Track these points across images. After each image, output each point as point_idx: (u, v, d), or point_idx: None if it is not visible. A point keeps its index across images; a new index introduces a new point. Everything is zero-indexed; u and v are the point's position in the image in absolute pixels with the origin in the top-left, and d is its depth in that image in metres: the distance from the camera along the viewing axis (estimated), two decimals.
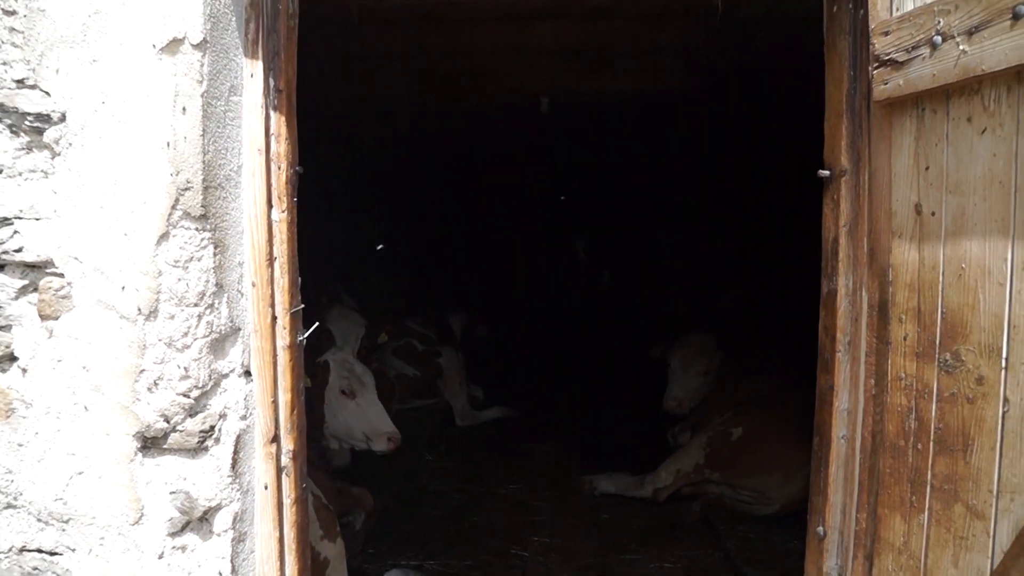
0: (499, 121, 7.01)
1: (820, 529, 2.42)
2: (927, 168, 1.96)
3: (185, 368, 2.08)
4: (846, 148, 2.33)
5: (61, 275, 2.09)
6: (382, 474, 5.21)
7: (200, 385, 2.11)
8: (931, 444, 1.95)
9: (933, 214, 1.94)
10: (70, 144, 2.06)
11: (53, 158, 2.08)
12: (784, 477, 4.90)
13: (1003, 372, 1.76)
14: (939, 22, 1.86)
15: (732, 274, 8.34)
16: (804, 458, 4.80)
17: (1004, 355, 1.75)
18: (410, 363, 6.55)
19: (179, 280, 2.06)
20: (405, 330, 6.76)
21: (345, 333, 5.11)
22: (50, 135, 2.07)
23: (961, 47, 1.80)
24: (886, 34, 2.04)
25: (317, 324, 2.54)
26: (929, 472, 1.96)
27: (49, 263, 2.09)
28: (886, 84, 2.05)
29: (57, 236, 2.08)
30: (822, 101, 2.45)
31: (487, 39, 4.87)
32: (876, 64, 2.08)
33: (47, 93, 2.06)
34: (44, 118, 2.07)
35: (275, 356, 2.31)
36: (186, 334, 2.08)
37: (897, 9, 2.04)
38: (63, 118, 2.06)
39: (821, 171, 2.42)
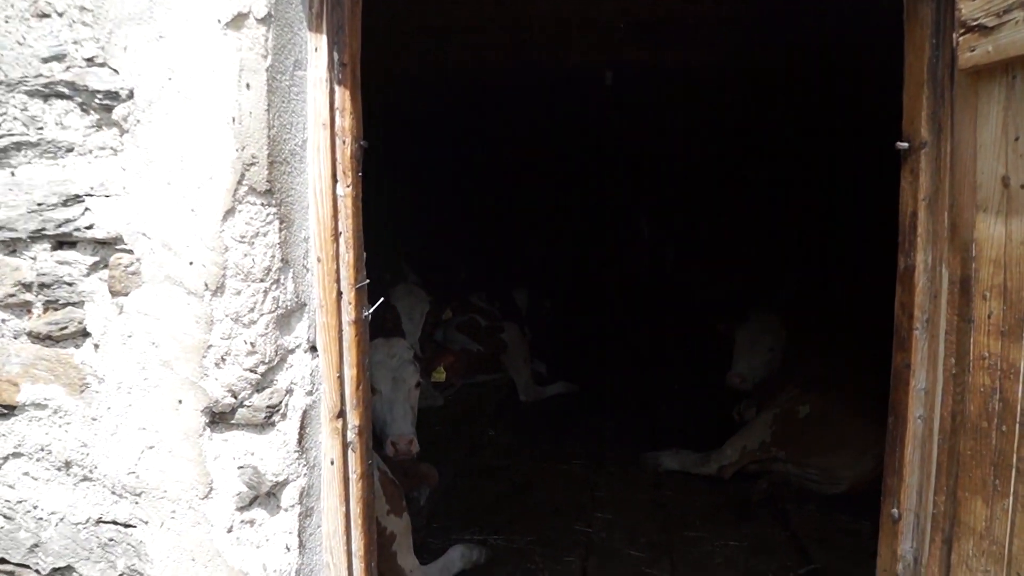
0: (563, 94, 6.92)
1: (895, 511, 2.34)
2: (1016, 139, 1.85)
3: (252, 343, 2.10)
4: (927, 119, 2.22)
5: (130, 251, 2.12)
6: (447, 449, 5.25)
7: (267, 360, 2.12)
8: (1017, 427, 1.86)
9: (1022, 187, 1.83)
10: (138, 121, 2.08)
11: (121, 135, 2.10)
12: (852, 456, 4.78)
13: None
14: None
15: (798, 252, 8.13)
16: (873, 437, 4.75)
17: None
18: (474, 338, 6.56)
19: (245, 255, 2.07)
20: (468, 306, 6.76)
21: (410, 310, 5.13)
22: (119, 112, 2.09)
23: None
24: None
25: (382, 300, 2.53)
26: (1015, 455, 1.86)
27: (119, 240, 2.12)
28: (973, 51, 1.93)
29: (126, 213, 2.11)
30: (895, 74, 2.33)
31: (551, 10, 4.79)
32: (963, 30, 1.96)
33: (115, 71, 2.08)
34: (113, 95, 2.09)
35: (340, 331, 2.31)
36: (252, 309, 2.09)
37: None
38: (131, 95, 2.08)
39: (899, 143, 2.31)
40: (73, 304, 2.19)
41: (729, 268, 8.80)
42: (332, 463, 2.32)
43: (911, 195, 2.28)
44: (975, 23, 1.92)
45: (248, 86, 2.03)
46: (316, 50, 2.23)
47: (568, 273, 9.23)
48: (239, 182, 2.04)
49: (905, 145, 2.29)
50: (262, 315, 2.10)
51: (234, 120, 2.03)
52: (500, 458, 5.65)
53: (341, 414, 2.33)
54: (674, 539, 4.39)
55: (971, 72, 1.97)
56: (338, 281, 2.30)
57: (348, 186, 2.30)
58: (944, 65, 2.17)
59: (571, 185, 9.75)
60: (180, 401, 2.13)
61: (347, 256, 2.32)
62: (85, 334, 2.21)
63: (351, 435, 2.36)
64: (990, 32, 1.88)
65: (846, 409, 4.82)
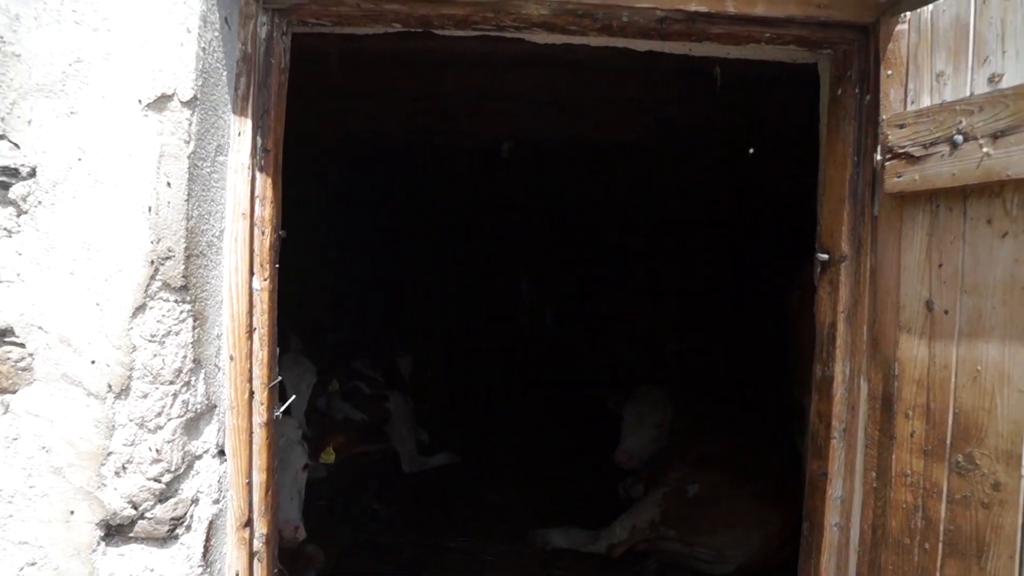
0: (458, 163, 6.93)
1: None
2: (940, 265, 1.94)
3: (157, 450, 1.91)
4: (847, 233, 2.31)
5: (22, 345, 1.90)
6: (331, 526, 5.01)
7: (172, 469, 1.94)
8: (940, 545, 1.91)
9: (946, 312, 1.92)
10: (39, 202, 1.89)
11: (19, 216, 1.90)
12: (741, 536, 4.85)
13: (1023, 480, 1.73)
14: (961, 121, 1.84)
15: (685, 324, 8.38)
16: (762, 517, 4.85)
17: None
18: (357, 407, 6.34)
19: (155, 356, 1.90)
20: (352, 372, 6.55)
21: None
22: (17, 191, 1.89)
23: (984, 149, 1.78)
24: (901, 127, 2.02)
25: (293, 398, 2.39)
26: (938, 573, 1.91)
27: (9, 331, 1.90)
28: (900, 177, 2.02)
29: (19, 302, 1.90)
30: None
31: (458, 84, 4.80)
32: (890, 156, 2.05)
33: (16, 145, 1.89)
34: (11, 172, 1.89)
35: (251, 434, 2.16)
36: (159, 414, 1.91)
37: (912, 102, 2.03)
38: (32, 173, 1.89)
39: (820, 254, 2.40)
40: None
41: (615, 339, 8.95)
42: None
43: (830, 306, 2.36)
44: (902, 150, 2.01)
45: (168, 175, 1.88)
46: (240, 134, 2.11)
47: (451, 340, 9.13)
48: (152, 277, 1.88)
49: (825, 257, 2.37)
50: (170, 420, 1.93)
51: (150, 210, 1.87)
52: (387, 535, 5.44)
53: (248, 523, 2.15)
54: None
55: (896, 196, 2.06)
56: (250, 380, 2.15)
57: (265, 279, 2.17)
58: (865, 184, 2.27)
59: (456, 251, 9.73)
60: (72, 512, 1.91)
61: (261, 354, 2.17)
62: None
63: (258, 544, 2.19)
64: (917, 161, 1.97)
65: (734, 488, 4.91)
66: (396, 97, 5.17)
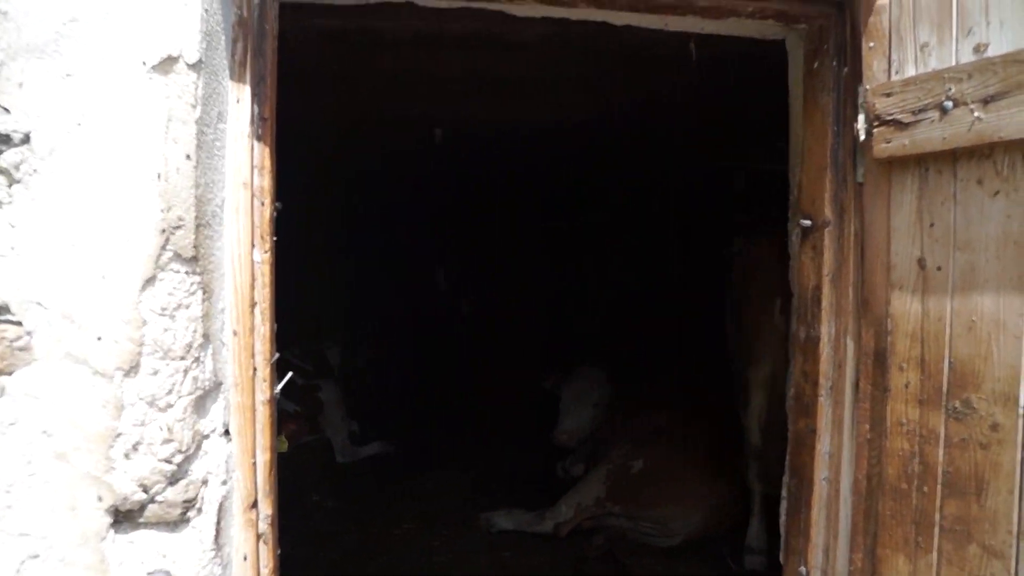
0: (390, 145, 6.81)
1: (802, 569, 2.46)
2: (932, 225, 2.05)
3: (169, 429, 1.83)
4: (830, 200, 2.41)
5: (18, 323, 1.78)
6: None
7: (183, 449, 1.86)
8: (939, 487, 2.03)
9: (939, 269, 2.03)
10: (35, 170, 1.77)
11: (11, 185, 1.77)
12: (687, 509, 5.00)
13: (1020, 419, 1.85)
14: (950, 88, 1.95)
15: (620, 305, 8.50)
16: (706, 490, 5.01)
17: (1022, 403, 1.84)
18: (290, 397, 6.20)
19: (165, 330, 1.81)
20: (283, 363, 6.38)
21: None
22: (8, 158, 1.77)
23: (976, 114, 1.89)
24: (888, 95, 2.12)
25: (291, 374, 2.33)
26: (937, 514, 2.03)
27: (3, 308, 1.78)
28: (888, 143, 2.12)
29: (15, 277, 1.77)
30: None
31: (393, 64, 4.72)
32: (877, 123, 2.15)
33: (6, 109, 1.76)
34: (2, 138, 1.76)
35: (255, 412, 2.08)
36: (170, 391, 1.83)
37: (897, 72, 2.13)
38: (26, 139, 1.77)
39: (803, 220, 2.49)
40: None
41: (544, 322, 9.01)
42: (245, 559, 2.07)
43: (813, 270, 2.46)
44: (890, 118, 2.11)
45: (175, 140, 1.80)
46: (238, 102, 2.03)
47: (378, 329, 9.02)
48: (163, 247, 1.79)
49: (808, 223, 2.47)
50: (180, 398, 1.84)
51: (159, 176, 1.78)
52: (330, 524, 5.36)
53: (254, 504, 2.09)
54: None
55: (884, 162, 2.16)
56: (253, 356, 2.08)
57: (266, 251, 2.10)
58: (846, 151, 2.37)
59: (379, 236, 9.59)
60: (78, 499, 1.80)
61: (262, 329, 2.10)
62: None
63: (263, 526, 2.12)
64: (906, 127, 2.07)
65: (679, 463, 5.06)
66: (325, 77, 5.04)
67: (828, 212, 2.41)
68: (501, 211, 9.60)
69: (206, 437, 1.95)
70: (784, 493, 2.68)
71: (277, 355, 2.18)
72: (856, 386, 2.36)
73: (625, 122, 5.78)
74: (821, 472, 2.44)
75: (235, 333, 2.03)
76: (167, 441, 1.83)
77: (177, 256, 1.81)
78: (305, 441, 5.97)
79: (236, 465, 2.04)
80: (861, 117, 2.26)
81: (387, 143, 6.71)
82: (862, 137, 2.25)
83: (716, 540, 5.03)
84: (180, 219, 1.80)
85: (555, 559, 4.97)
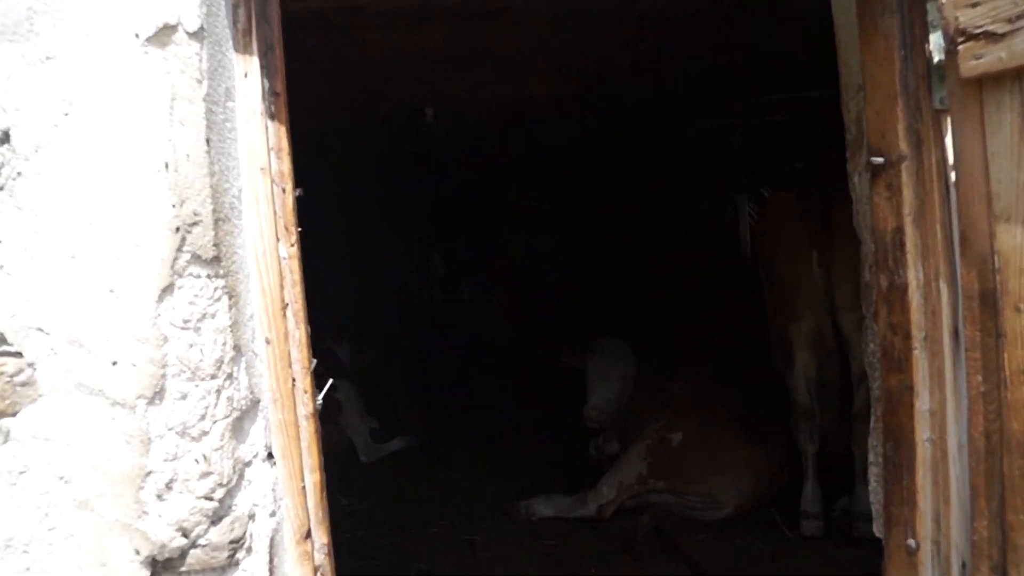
0: (383, 127, 6.52)
1: (911, 542, 2.22)
2: None
3: (206, 460, 1.57)
4: (904, 131, 2.15)
5: (18, 354, 1.51)
6: None
7: (224, 482, 1.60)
8: None
9: None
10: (18, 173, 1.50)
11: None
12: (732, 479, 4.78)
13: None
14: None
15: (636, 275, 8.26)
16: (752, 456, 4.78)
17: None
18: None
19: (191, 346, 1.55)
20: None
21: None
22: None
23: None
24: (974, 5, 1.86)
25: (331, 381, 2.07)
26: None
27: None
28: (979, 59, 1.86)
29: (8, 301, 1.51)
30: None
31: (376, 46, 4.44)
32: (962, 39, 1.90)
33: None
34: None
35: (298, 429, 1.83)
36: (203, 417, 1.57)
37: None
38: (5, 138, 1.49)
39: (873, 157, 2.24)
40: None
41: (556, 297, 8.76)
42: None
43: (891, 211, 2.20)
44: (979, 30, 1.85)
45: (183, 122, 1.53)
46: (246, 76, 1.75)
47: (380, 318, 8.76)
48: (179, 248, 1.52)
49: (880, 160, 2.21)
50: (215, 422, 1.59)
51: (167, 166, 1.51)
52: (363, 528, 5.10)
53: (308, 534, 1.83)
54: None
55: (973, 81, 1.90)
56: (290, 366, 1.82)
57: (292, 245, 1.83)
58: (918, 76, 2.12)
59: (376, 223, 9.31)
60: (107, 552, 1.54)
61: (297, 333, 1.84)
62: None
63: (319, 557, 1.87)
64: (1000, 39, 1.81)
65: (719, 432, 4.82)
66: (306, 58, 4.75)
67: (903, 145, 2.15)
68: (496, 189, 9.31)
69: (248, 464, 1.70)
70: (874, 459, 2.45)
71: (315, 361, 1.91)
72: (955, 334, 2.13)
73: (617, 86, 5.50)
74: (923, 432, 2.19)
75: (268, 341, 1.77)
76: (205, 475, 1.57)
77: (196, 258, 1.54)
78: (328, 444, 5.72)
79: (284, 492, 1.79)
80: (934, 36, 2.03)
81: (380, 126, 6.42)
82: (936, 58, 2.03)
83: (767, 507, 4.82)
84: (196, 214, 1.54)
85: (602, 542, 4.73)
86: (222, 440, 1.59)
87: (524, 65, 5.00)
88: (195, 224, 1.53)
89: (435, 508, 5.40)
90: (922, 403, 2.19)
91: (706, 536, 4.63)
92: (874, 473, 2.47)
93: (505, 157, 8.43)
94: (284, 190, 1.82)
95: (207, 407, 1.57)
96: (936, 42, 2.00)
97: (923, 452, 2.20)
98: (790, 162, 6.24)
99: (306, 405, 1.84)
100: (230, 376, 1.61)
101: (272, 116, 1.80)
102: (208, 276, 1.56)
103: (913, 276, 2.18)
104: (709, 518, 4.82)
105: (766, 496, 4.84)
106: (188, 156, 1.53)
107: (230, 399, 1.61)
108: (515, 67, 5.07)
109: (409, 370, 8.22)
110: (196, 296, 1.55)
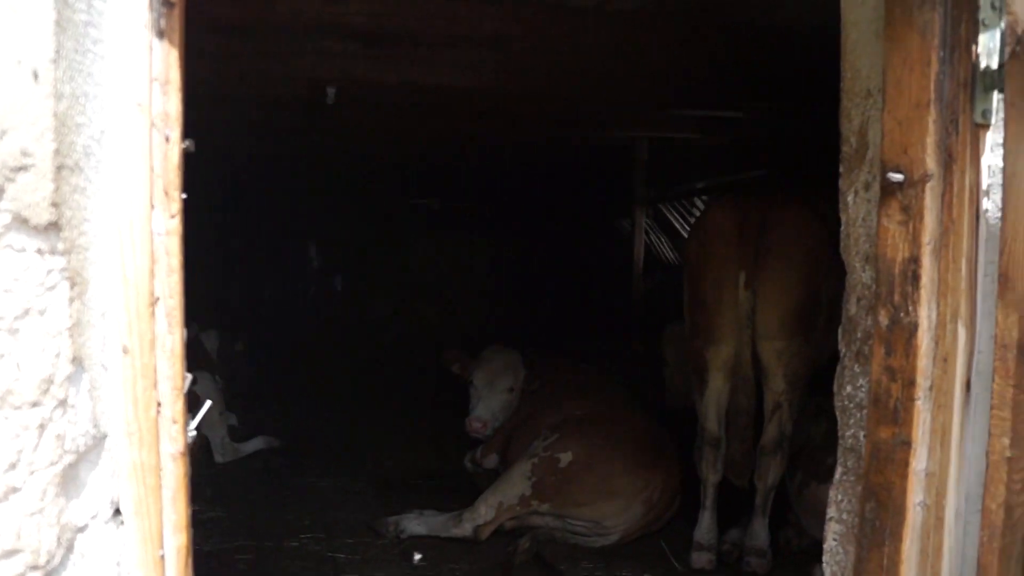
0: (275, 107, 5.83)
1: None
2: None
3: (17, 534, 1.02)
4: (933, 147, 1.83)
5: None
6: None
7: (42, 561, 1.06)
8: None
9: None
10: None
11: None
12: (624, 504, 4.49)
13: None
14: None
15: (527, 282, 7.89)
16: (645, 482, 4.50)
17: None
18: None
19: (0, 357, 1.00)
20: None
21: None
22: None
23: None
24: None
25: (208, 404, 1.54)
26: None
27: None
28: None
29: None
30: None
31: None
32: None
33: None
34: None
35: (160, 474, 1.29)
36: (14, 466, 1.02)
37: None
38: None
39: (891, 174, 1.91)
40: None
41: (438, 302, 8.28)
42: None
43: (905, 238, 1.88)
44: None
45: (13, 7, 0.98)
46: None
47: (253, 310, 8.03)
48: None
49: (899, 177, 1.88)
50: (33, 473, 1.04)
51: None
52: (213, 540, 4.47)
53: None
54: None
55: None
56: (156, 386, 1.29)
57: (173, 216, 1.30)
58: (957, 83, 1.81)
59: (254, 208, 8.54)
60: None
61: (169, 340, 1.31)
62: None
63: None
64: None
65: (611, 454, 4.51)
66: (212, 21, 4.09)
67: (930, 163, 1.83)
68: (390, 185, 8.75)
69: (82, 529, 1.15)
70: (836, 515, 2.16)
71: (190, 378, 1.39)
72: (967, 387, 1.84)
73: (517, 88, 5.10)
74: (915, 495, 1.89)
75: (126, 351, 1.23)
76: (9, 554, 1.02)
77: (21, 221, 0.99)
78: None
79: (135, 565, 1.25)
80: (984, 37, 1.74)
81: (274, 104, 5.72)
82: (984, 63, 1.74)
83: (655, 536, 4.57)
84: (25, 154, 0.99)
85: (476, 567, 4.34)
86: (42, 499, 1.05)
87: (444, 53, 4.53)
88: (22, 169, 0.98)
89: (296, 519, 4.90)
90: (919, 462, 1.90)
91: (591, 565, 4.33)
92: (835, 531, 2.18)
93: (401, 152, 7.87)
94: (168, 139, 1.28)
95: (20, 451, 1.02)
96: (986, 44, 1.71)
97: (913, 517, 1.91)
98: (694, 181, 6.06)
99: (174, 440, 1.31)
100: (63, 403, 1.07)
101: (161, 33, 1.26)
102: (39, 251, 1.02)
103: (925, 315, 1.87)
104: (594, 545, 4.53)
105: (655, 524, 4.59)
106: (19, 62, 0.98)
107: (60, 437, 1.07)
108: (433, 53, 4.58)
109: (276, 364, 7.56)
110: (15, 280, 1.00)
